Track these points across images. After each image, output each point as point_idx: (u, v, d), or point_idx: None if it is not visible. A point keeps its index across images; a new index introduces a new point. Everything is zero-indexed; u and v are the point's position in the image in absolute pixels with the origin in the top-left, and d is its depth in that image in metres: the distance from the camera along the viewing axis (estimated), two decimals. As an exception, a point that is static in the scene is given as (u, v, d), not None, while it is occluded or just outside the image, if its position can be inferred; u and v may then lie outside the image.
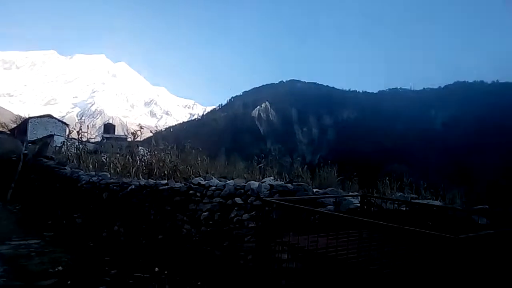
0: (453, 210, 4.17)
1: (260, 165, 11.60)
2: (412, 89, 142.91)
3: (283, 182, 6.67)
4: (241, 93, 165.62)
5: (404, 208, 4.48)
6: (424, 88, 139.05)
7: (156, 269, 6.35)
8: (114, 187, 8.67)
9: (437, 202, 5.84)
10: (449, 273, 2.23)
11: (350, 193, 6.54)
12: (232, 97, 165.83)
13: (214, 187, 6.73)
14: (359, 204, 4.62)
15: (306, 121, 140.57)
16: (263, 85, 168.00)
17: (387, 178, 11.58)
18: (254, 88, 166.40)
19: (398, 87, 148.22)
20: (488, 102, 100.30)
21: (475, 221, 3.91)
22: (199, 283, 5.70)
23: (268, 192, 5.95)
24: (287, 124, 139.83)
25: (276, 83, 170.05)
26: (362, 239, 3.08)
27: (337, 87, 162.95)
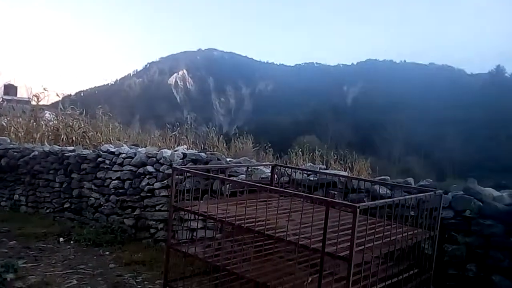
0: (357, 180, 4.41)
1: (174, 133, 11.47)
2: (327, 64, 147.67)
3: (196, 151, 6.64)
4: (158, 59, 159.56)
5: (313, 178, 4.66)
6: (338, 64, 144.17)
7: (61, 239, 6.07)
8: (15, 153, 8.07)
9: (344, 173, 6.16)
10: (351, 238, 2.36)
11: (263, 163, 6.69)
12: (148, 63, 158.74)
13: (124, 154, 6.51)
14: (270, 174, 4.73)
15: (224, 91, 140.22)
16: (181, 52, 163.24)
17: (300, 149, 12.05)
18: (172, 54, 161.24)
19: (314, 62, 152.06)
20: (395, 80, 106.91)
21: (376, 191, 4.18)
22: (107, 252, 5.55)
23: (181, 160, 5.89)
24: (204, 93, 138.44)
25: (195, 51, 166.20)
26: (270, 207, 3.16)
27: (256, 59, 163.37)
